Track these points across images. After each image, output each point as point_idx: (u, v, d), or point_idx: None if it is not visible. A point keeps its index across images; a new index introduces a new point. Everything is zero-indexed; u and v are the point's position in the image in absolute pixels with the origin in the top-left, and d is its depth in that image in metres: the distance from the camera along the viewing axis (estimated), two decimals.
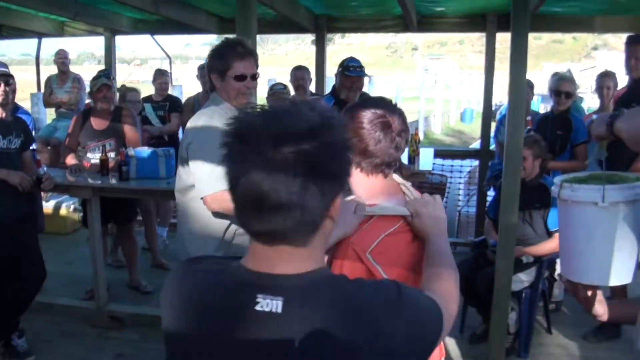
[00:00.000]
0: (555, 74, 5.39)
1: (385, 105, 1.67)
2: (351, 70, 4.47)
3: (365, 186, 1.65)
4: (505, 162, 3.47)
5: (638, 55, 4.21)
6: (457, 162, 7.79)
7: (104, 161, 4.34)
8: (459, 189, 8.18)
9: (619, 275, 1.73)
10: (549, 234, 3.87)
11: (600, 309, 1.78)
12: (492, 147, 6.12)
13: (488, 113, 6.12)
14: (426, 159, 5.71)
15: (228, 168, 1.04)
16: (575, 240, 1.77)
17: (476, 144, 12.88)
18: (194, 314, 1.10)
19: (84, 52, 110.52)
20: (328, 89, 5.23)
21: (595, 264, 1.72)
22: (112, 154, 4.49)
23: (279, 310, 1.04)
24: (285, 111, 1.04)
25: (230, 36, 3.64)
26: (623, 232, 1.68)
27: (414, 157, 5.47)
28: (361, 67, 4.58)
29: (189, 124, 2.81)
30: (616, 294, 3.79)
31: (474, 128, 27.08)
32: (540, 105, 15.61)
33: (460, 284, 1.45)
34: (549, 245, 3.83)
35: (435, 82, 35.15)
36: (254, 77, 2.77)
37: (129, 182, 4.21)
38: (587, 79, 27.14)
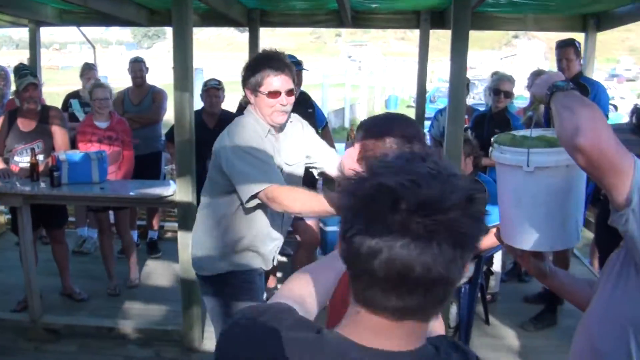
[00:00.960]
0: (495, 73, 5.63)
1: (407, 128, 1.70)
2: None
3: None
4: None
5: (569, 56, 4.52)
6: None
7: (34, 165, 4.13)
8: None
9: (552, 241, 1.70)
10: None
11: (540, 275, 1.80)
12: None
13: (421, 109, 6.22)
14: None
15: (363, 239, 0.92)
16: (507, 205, 1.73)
17: None
18: None
19: (2, 35, 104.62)
20: None
21: (526, 229, 1.68)
22: (41, 157, 4.27)
23: None
24: (431, 176, 0.94)
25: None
26: (551, 197, 1.64)
27: None
28: (299, 62, 4.55)
29: (226, 132, 2.63)
30: (557, 262, 3.91)
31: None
32: None
33: None
34: (487, 241, 3.94)
35: (360, 69, 35.54)
36: (290, 92, 2.58)
37: (61, 188, 4.04)
38: (508, 66, 28.15)
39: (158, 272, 5.35)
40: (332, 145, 5.08)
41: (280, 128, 2.69)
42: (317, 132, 4.64)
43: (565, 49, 4.59)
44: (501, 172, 1.75)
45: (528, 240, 1.69)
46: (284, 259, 5.28)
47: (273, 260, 2.88)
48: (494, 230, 1.80)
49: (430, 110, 21.95)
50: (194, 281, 3.74)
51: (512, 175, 1.67)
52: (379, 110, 28.05)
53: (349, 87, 23.41)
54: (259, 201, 2.45)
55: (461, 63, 3.65)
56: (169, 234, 6.13)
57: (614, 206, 1.42)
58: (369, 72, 33.73)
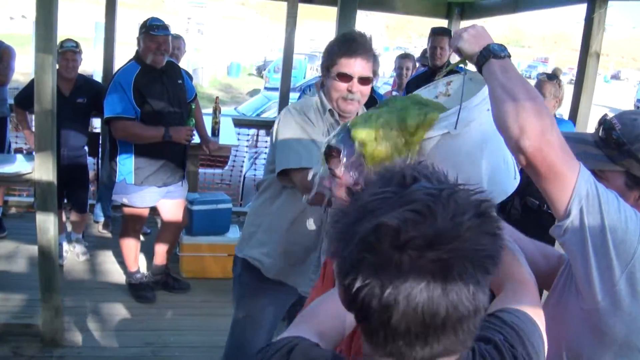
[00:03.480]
0: None
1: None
2: (155, 29, 4.09)
3: None
4: None
5: (443, 45, 4.66)
6: None
7: None
8: (244, 152, 8.12)
9: (504, 186, 1.63)
10: None
11: None
12: None
13: (287, 85, 6.11)
14: (226, 129, 5.56)
15: (372, 292, 0.80)
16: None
17: (249, 105, 12.96)
18: None
19: None
20: None
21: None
22: None
23: None
24: (433, 201, 0.81)
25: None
26: (485, 145, 1.56)
27: (217, 129, 5.29)
28: (165, 26, 4.22)
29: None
30: None
31: (240, 83, 27.29)
32: None
33: None
34: None
35: (200, 32, 34.53)
36: (365, 81, 2.30)
37: None
38: None
39: (6, 256, 4.75)
40: (202, 118, 4.82)
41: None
42: (188, 103, 4.40)
43: (440, 37, 4.72)
44: (426, 147, 1.58)
45: None
46: (142, 238, 4.94)
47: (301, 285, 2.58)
48: None
49: (274, 81, 22.06)
50: (55, 268, 3.38)
51: (439, 146, 1.54)
52: (222, 77, 27.53)
53: (192, 50, 22.62)
54: (291, 184, 2.30)
55: None
56: (13, 210, 5.49)
57: (554, 215, 1.35)
58: (210, 36, 32.90)
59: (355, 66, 2.28)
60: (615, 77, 58.01)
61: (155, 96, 4.10)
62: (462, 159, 1.55)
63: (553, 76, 4.14)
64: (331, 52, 2.32)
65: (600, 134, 1.51)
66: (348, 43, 2.30)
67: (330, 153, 1.66)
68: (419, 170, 0.87)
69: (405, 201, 0.81)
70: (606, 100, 29.92)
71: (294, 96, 6.11)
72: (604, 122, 1.51)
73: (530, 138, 1.24)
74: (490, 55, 1.40)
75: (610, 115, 1.51)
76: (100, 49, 6.00)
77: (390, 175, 0.88)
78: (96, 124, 5.77)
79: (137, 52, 4.19)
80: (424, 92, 1.78)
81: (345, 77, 2.29)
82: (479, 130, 1.53)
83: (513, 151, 1.30)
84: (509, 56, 1.41)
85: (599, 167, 1.47)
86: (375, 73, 2.36)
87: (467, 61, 1.53)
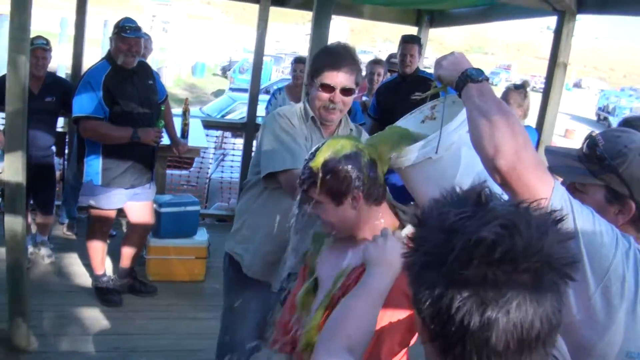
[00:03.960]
0: None
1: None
2: (128, 31, 4.06)
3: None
4: None
5: (413, 53, 4.74)
6: None
7: None
8: (211, 154, 8.06)
9: None
10: None
11: None
12: (259, 120, 6.15)
13: (256, 88, 6.11)
14: (195, 131, 5.53)
15: (470, 313, 0.81)
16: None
17: (214, 105, 12.84)
18: None
19: None
20: None
21: None
22: None
23: None
24: (511, 213, 0.85)
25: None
26: (465, 161, 1.61)
27: (186, 131, 5.26)
28: (138, 27, 4.19)
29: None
30: None
31: (205, 82, 27.07)
32: None
33: None
34: None
35: (165, 31, 34.09)
36: (347, 92, 2.39)
37: None
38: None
39: None
40: (171, 119, 4.78)
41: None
42: (158, 104, 4.35)
43: (411, 45, 4.81)
44: (412, 174, 1.68)
45: None
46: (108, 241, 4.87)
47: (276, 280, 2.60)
48: None
49: (239, 82, 21.93)
50: (23, 271, 3.32)
51: (423, 170, 1.63)
52: (186, 76, 27.28)
53: (156, 49, 22.32)
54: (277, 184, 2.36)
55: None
56: None
57: None
58: (175, 34, 32.54)
59: (339, 78, 2.37)
60: (577, 85, 59.42)
61: (126, 97, 4.06)
62: (448, 180, 1.57)
63: (520, 86, 4.25)
64: (316, 63, 2.43)
65: (584, 150, 1.56)
66: (333, 56, 2.41)
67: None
68: (481, 189, 0.91)
69: (490, 218, 0.84)
70: (568, 108, 30.60)
71: (262, 98, 6.09)
72: (589, 138, 1.56)
73: (505, 157, 1.29)
74: (468, 80, 1.45)
75: (596, 133, 1.57)
76: (66, 45, 5.90)
77: (464, 196, 0.91)
78: (60, 122, 5.65)
79: (108, 51, 4.16)
80: (411, 118, 1.87)
81: (328, 88, 2.38)
82: (463, 151, 1.59)
83: (489, 170, 1.34)
84: (487, 79, 1.46)
85: (581, 181, 1.52)
86: (357, 84, 2.45)
87: (447, 87, 1.60)
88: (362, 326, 1.35)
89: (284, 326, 1.82)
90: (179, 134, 4.97)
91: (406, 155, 1.63)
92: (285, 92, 5.52)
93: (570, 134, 23.56)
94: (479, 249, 0.81)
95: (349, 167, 1.62)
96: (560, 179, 1.53)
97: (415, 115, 1.88)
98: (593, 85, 58.39)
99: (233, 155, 7.21)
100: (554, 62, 4.23)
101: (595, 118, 33.80)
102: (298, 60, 5.40)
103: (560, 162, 1.55)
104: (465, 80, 1.45)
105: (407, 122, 1.87)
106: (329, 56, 2.43)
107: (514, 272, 0.81)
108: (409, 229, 1.62)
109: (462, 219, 0.85)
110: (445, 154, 1.57)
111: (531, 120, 4.60)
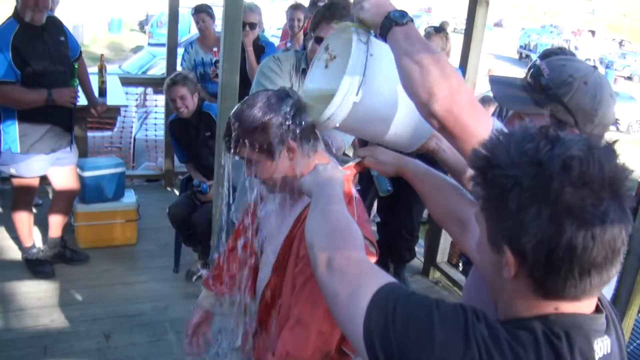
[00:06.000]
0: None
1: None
2: None
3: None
4: (221, 103, 3.39)
5: (299, 17, 5.14)
6: None
7: None
8: (133, 113, 7.74)
9: None
10: None
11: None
12: None
13: (174, 41, 5.88)
14: (113, 89, 5.29)
15: (574, 228, 0.86)
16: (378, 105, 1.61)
17: (134, 62, 12.29)
18: None
19: None
20: None
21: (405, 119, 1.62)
22: None
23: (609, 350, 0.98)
24: (579, 138, 0.92)
25: None
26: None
27: (104, 89, 5.02)
28: None
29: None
30: None
31: (123, 39, 25.95)
32: None
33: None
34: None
35: None
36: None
37: None
38: None
39: None
40: (87, 77, 4.50)
41: None
42: (71, 62, 4.10)
43: (296, 11, 5.20)
44: (350, 124, 1.59)
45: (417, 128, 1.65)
46: (34, 211, 4.66)
47: None
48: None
49: (158, 36, 21.09)
50: None
51: (358, 114, 1.54)
52: (103, 33, 26.06)
53: (67, 4, 21.13)
54: None
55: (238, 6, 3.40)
56: None
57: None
58: None
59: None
60: (498, 24, 59.18)
61: (37, 56, 3.83)
62: (388, 96, 1.57)
63: (440, 29, 4.25)
64: (316, 16, 2.50)
65: (529, 79, 1.51)
66: (331, 10, 2.46)
67: None
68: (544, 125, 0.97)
69: (570, 143, 0.90)
70: (490, 48, 31.05)
71: (180, 51, 5.85)
72: (533, 67, 1.51)
73: (440, 101, 1.26)
74: (393, 23, 1.39)
75: (540, 62, 1.51)
76: None
77: (532, 134, 0.94)
78: None
79: (15, 8, 3.87)
80: (315, 70, 1.79)
81: (321, 40, 2.33)
82: (374, 66, 1.52)
83: (425, 116, 1.32)
84: (412, 21, 1.41)
85: (525, 110, 1.48)
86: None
87: (371, 30, 1.52)
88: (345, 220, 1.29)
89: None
90: (96, 93, 4.73)
91: (331, 116, 1.53)
92: (197, 44, 5.37)
93: (492, 73, 24.04)
94: (573, 169, 0.86)
95: (271, 115, 1.56)
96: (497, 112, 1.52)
97: (316, 65, 1.80)
98: (515, 24, 59.00)
99: (156, 112, 6.96)
100: (475, 1, 4.19)
101: (517, 56, 34.55)
102: (295, 7, 5.37)
103: (504, 92, 1.51)
104: (390, 25, 1.40)
105: (313, 76, 1.80)
106: (327, 10, 2.47)
107: (605, 189, 0.87)
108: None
109: (548, 149, 0.89)
110: (364, 87, 1.49)
111: (454, 61, 4.63)
